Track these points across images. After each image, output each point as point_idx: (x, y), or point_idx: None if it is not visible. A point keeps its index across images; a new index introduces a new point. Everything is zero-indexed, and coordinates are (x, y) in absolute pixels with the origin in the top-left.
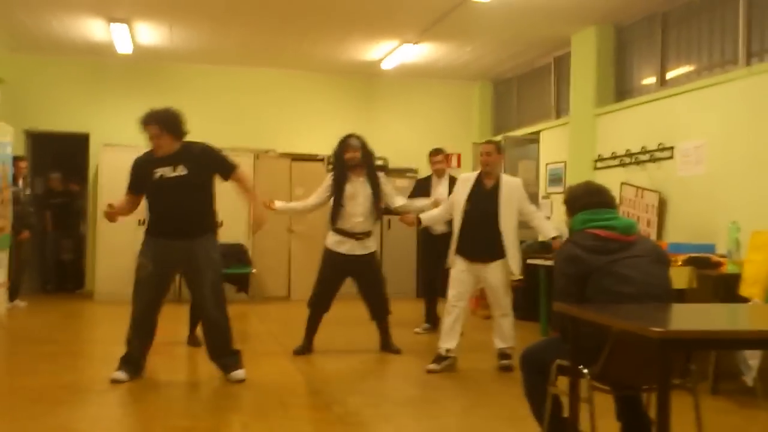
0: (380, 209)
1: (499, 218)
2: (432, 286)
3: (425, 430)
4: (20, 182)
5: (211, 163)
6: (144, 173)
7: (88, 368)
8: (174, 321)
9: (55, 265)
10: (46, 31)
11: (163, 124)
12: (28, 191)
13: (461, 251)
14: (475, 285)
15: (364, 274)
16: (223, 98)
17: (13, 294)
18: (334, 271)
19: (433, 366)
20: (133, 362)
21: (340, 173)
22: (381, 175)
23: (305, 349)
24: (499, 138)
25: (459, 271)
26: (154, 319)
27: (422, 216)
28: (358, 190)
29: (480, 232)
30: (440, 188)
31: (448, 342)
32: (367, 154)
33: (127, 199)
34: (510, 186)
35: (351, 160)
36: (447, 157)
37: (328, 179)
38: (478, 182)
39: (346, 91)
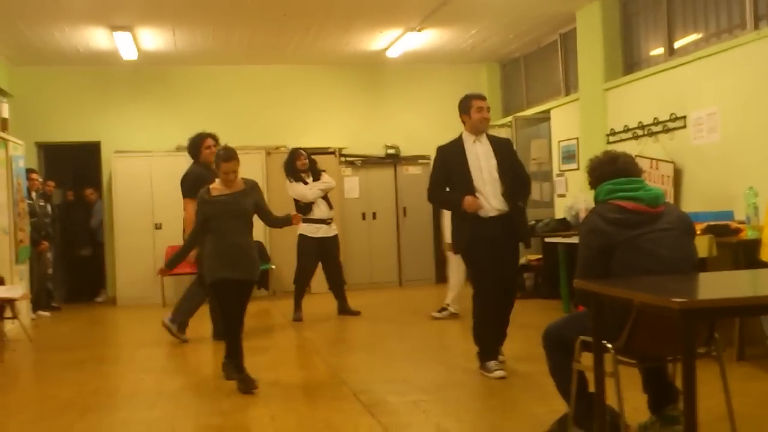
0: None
1: None
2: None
3: (454, 412)
4: (33, 194)
5: None
6: None
7: (114, 373)
8: (194, 319)
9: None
10: (49, 43)
11: None
12: (41, 202)
13: None
14: None
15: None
16: (230, 98)
17: (36, 304)
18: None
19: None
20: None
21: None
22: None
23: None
24: (509, 119)
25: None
26: None
27: None
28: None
29: None
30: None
31: None
32: (312, 162)
33: None
34: None
35: (303, 166)
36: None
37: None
38: None
39: (353, 82)
